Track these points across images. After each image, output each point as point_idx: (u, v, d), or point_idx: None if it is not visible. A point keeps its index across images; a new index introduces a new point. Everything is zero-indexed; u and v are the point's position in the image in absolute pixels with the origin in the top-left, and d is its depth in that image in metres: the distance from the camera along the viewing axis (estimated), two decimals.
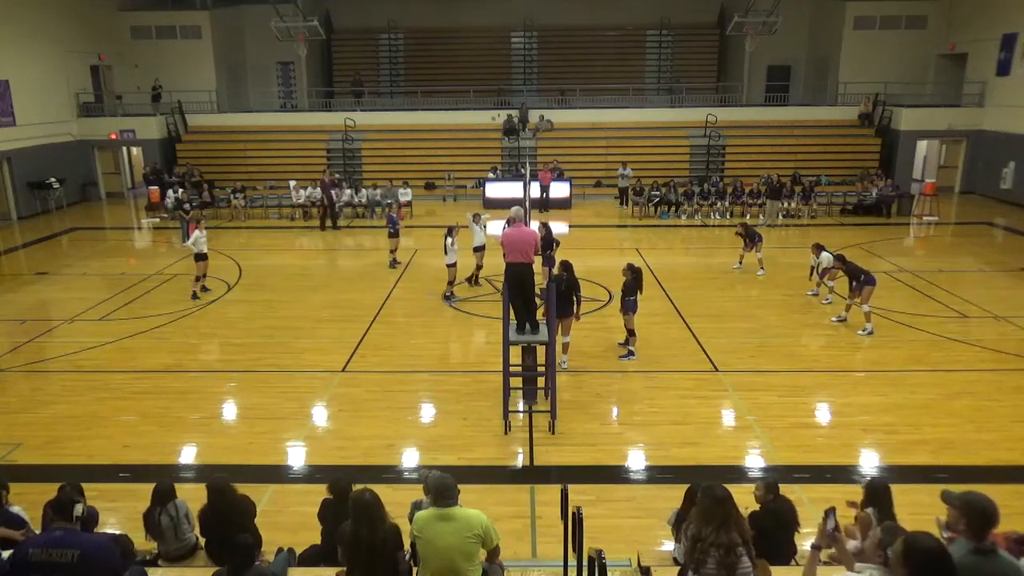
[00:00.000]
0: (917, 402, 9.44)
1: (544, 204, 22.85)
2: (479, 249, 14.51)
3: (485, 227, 14.83)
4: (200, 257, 13.94)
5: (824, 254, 13.35)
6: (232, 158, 25.56)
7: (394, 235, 16.26)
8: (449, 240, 13.71)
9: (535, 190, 22.48)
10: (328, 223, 20.71)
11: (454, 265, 13.89)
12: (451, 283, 14.01)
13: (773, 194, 20.89)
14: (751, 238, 15.32)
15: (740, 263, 15.84)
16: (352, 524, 4.34)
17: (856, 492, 5.67)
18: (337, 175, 24.45)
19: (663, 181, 22.67)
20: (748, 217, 20.56)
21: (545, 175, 23.00)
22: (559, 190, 23.26)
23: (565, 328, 10.43)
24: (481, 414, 9.15)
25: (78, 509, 4.21)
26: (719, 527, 3.94)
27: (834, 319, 12.48)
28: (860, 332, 11.83)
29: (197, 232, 13.90)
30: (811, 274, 13.84)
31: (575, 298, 10.32)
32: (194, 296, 14.01)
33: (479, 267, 14.70)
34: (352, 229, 20.97)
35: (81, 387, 10.16)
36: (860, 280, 11.96)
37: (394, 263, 16.42)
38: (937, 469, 7.79)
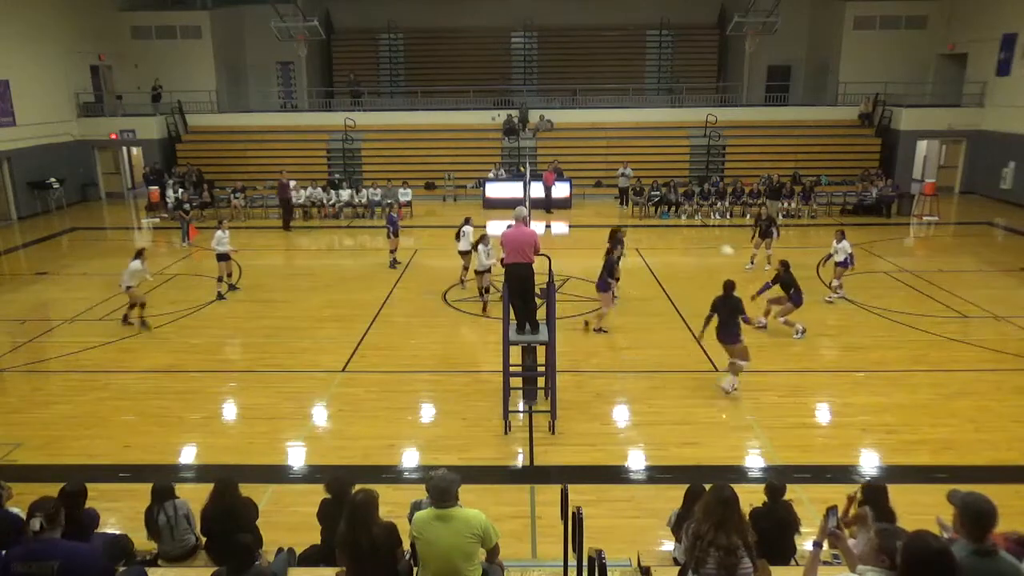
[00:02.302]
0: (917, 402, 9.44)
1: (548, 204, 22.84)
2: (465, 253, 14.18)
3: (471, 237, 14.12)
4: (222, 257, 14.03)
5: (844, 243, 13.33)
6: (232, 158, 25.53)
7: (394, 235, 16.26)
8: (481, 247, 13.14)
9: (539, 190, 22.47)
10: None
11: (488, 271, 13.30)
12: (463, 280, 14.10)
13: (773, 194, 20.90)
14: (767, 230, 15.17)
15: (752, 262, 15.65)
16: (343, 526, 4.35)
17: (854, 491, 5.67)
18: (338, 175, 24.49)
19: (663, 181, 22.67)
20: (750, 218, 20.52)
21: (549, 175, 22.96)
22: (559, 190, 23.20)
23: (740, 354, 9.67)
24: (481, 414, 9.15)
25: (34, 524, 4.15)
26: (717, 527, 3.93)
27: (756, 324, 11.80)
28: (794, 336, 11.69)
29: (220, 232, 14.00)
30: (825, 259, 13.69)
31: (741, 319, 9.68)
32: (220, 296, 14.06)
33: (465, 268, 14.50)
34: (309, 229, 20.79)
35: (81, 387, 10.16)
36: (789, 293, 11.77)
37: (394, 263, 16.41)
38: (937, 469, 7.79)
